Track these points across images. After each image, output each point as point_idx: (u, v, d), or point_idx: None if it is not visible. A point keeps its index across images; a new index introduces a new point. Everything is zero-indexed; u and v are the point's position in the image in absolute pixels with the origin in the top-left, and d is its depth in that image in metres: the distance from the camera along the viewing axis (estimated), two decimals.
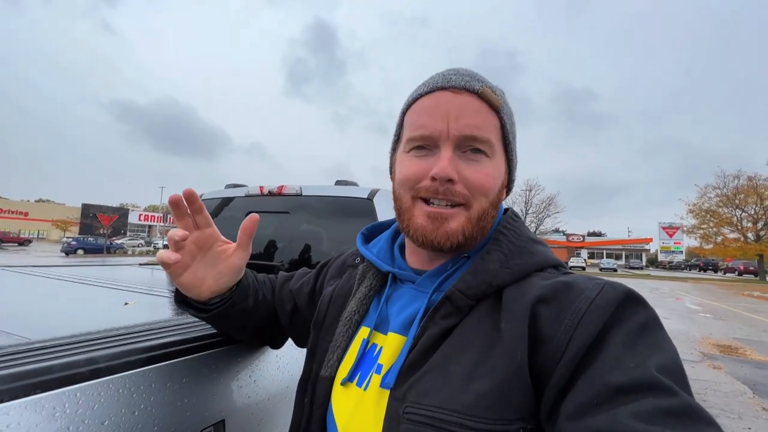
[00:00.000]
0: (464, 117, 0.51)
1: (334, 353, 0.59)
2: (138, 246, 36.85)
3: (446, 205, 0.53)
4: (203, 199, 2.63)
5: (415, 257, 0.61)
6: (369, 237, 0.72)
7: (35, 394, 0.51)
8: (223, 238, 0.67)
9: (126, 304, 1.06)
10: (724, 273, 40.24)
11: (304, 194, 2.25)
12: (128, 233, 48.78)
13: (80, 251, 26.83)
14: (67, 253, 25.84)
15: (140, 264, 2.59)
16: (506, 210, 0.63)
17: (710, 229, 31.85)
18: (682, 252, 48.88)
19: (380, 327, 0.59)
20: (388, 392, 0.49)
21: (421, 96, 0.55)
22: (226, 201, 2.53)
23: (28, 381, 0.51)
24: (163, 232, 49.28)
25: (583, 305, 0.43)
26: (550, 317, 0.45)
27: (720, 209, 31.24)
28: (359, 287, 0.64)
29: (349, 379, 0.56)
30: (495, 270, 0.51)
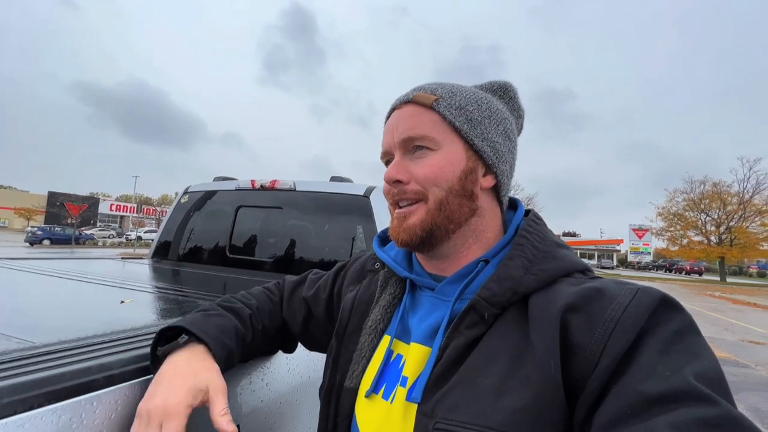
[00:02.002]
0: (401, 124, 0.57)
1: (359, 363, 0.58)
2: (109, 237, 35.42)
3: (408, 204, 0.56)
4: (190, 192, 2.54)
5: (425, 263, 0.61)
6: (385, 239, 0.71)
7: (50, 404, 0.47)
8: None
9: (122, 302, 1.01)
10: (673, 272, 42.55)
11: (297, 189, 2.20)
12: (98, 223, 46.76)
13: (46, 241, 25.52)
14: (31, 243, 24.51)
15: (122, 258, 2.48)
16: (527, 212, 0.62)
17: (677, 232, 33.40)
18: (650, 253, 51.08)
19: (402, 336, 0.58)
20: (415, 406, 0.48)
21: (385, 121, 0.62)
22: (214, 194, 2.45)
23: (42, 390, 0.48)
24: (135, 222, 47.51)
25: (616, 313, 0.42)
26: (582, 326, 0.43)
27: (687, 213, 32.79)
28: (382, 294, 0.63)
29: (374, 390, 0.55)
30: (519, 276, 0.50)
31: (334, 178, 2.31)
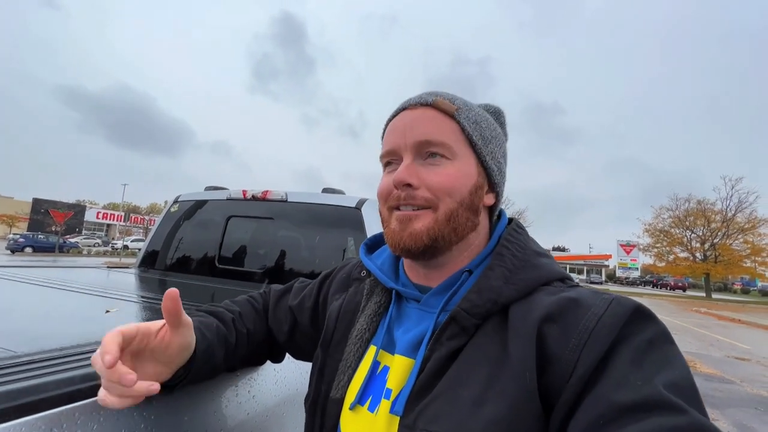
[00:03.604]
0: (418, 127, 0.55)
1: (345, 374, 0.58)
2: (94, 246, 34.64)
3: (413, 209, 0.55)
4: (180, 201, 2.52)
5: (412, 272, 0.61)
6: (372, 247, 0.70)
7: (28, 414, 0.46)
8: (155, 328, 0.54)
9: (107, 311, 0.99)
10: (659, 288, 43.22)
11: (289, 200, 2.20)
12: (84, 232, 45.79)
13: (28, 249, 24.85)
14: (13, 251, 23.84)
15: (108, 267, 2.44)
16: (510, 221, 0.62)
17: (663, 248, 33.97)
18: (638, 269, 51.72)
19: (387, 347, 0.58)
20: (398, 419, 0.48)
21: (389, 121, 0.60)
22: (205, 204, 2.44)
23: (22, 401, 0.47)
24: (123, 231, 46.64)
25: (591, 323, 0.43)
26: (557, 336, 0.44)
27: (672, 230, 33.44)
28: (368, 303, 0.62)
29: (359, 402, 0.54)
30: (499, 287, 0.50)
31: (326, 190, 2.31)
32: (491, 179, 0.58)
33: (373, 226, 1.97)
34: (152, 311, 1.11)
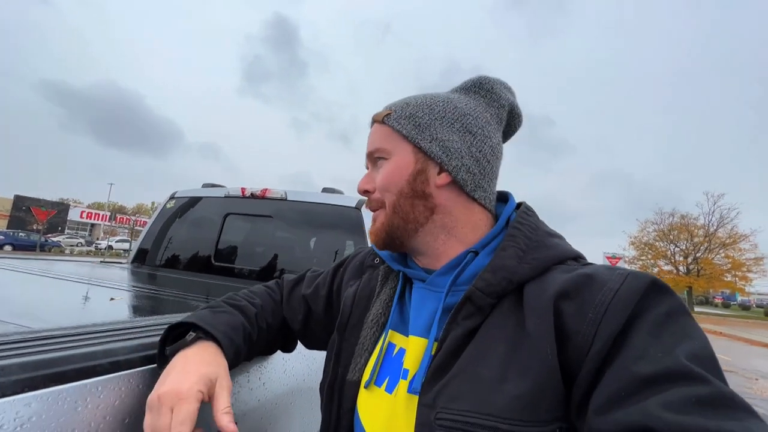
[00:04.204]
0: (368, 142, 0.64)
1: (362, 356, 0.59)
2: (77, 245, 33.80)
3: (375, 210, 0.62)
4: (176, 197, 2.49)
5: (417, 258, 0.63)
6: None
7: (56, 385, 0.46)
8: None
9: (112, 299, 0.98)
10: None
11: (288, 199, 2.20)
12: (67, 231, 44.68)
13: (8, 247, 24.14)
14: None
15: (102, 261, 2.39)
16: (519, 205, 0.63)
17: (648, 261, 34.60)
18: None
19: (399, 328, 0.59)
20: (416, 398, 0.49)
21: None
22: (202, 200, 2.42)
23: (48, 371, 0.47)
24: (107, 232, 45.61)
25: (607, 297, 0.43)
26: (574, 312, 0.44)
27: (657, 243, 34.12)
28: (383, 288, 0.64)
29: (376, 383, 0.55)
30: (513, 266, 0.50)
31: (326, 189, 2.32)
32: (435, 160, 0.58)
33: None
34: (153, 300, 1.10)
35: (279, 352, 0.82)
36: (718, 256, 30.86)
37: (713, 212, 31.30)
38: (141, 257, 2.37)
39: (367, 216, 2.01)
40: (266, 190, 2.25)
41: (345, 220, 2.06)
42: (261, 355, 0.79)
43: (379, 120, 0.62)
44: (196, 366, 0.53)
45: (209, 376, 0.52)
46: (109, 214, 48.14)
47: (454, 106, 0.60)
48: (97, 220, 47.45)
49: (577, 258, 0.54)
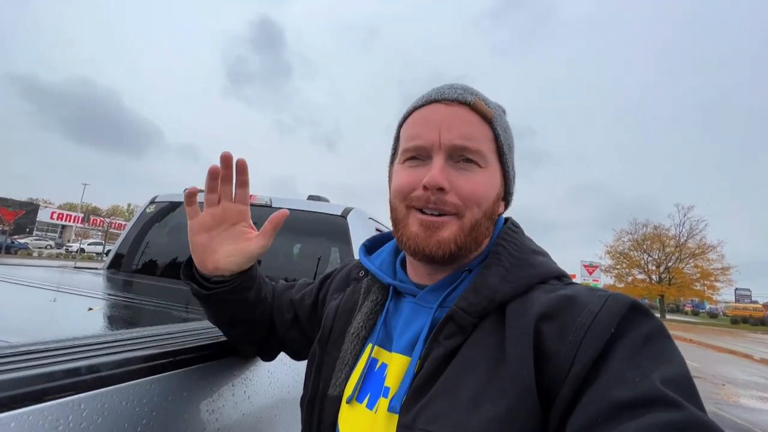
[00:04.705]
0: (455, 127, 0.52)
1: (342, 371, 0.57)
2: (46, 248, 32.32)
3: (438, 215, 0.53)
4: (157, 201, 2.43)
5: (415, 271, 0.60)
6: (371, 248, 0.71)
7: (36, 403, 0.45)
8: (250, 222, 0.69)
9: (90, 309, 0.95)
10: None
11: (273, 206, 2.18)
12: (36, 232, 42.71)
13: None
14: None
15: (75, 267, 2.30)
16: (506, 220, 0.62)
17: (623, 270, 35.69)
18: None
19: (385, 344, 0.58)
20: (396, 417, 0.48)
21: (415, 109, 0.57)
22: (184, 206, 2.36)
23: (28, 389, 0.45)
24: (80, 234, 43.85)
25: (587, 320, 0.43)
26: (554, 334, 0.44)
27: (631, 252, 35.27)
28: (364, 301, 0.63)
29: (357, 399, 0.55)
30: (496, 285, 0.50)
31: (311, 197, 2.31)
32: (508, 188, 0.58)
33: (358, 235, 1.98)
34: (134, 309, 1.07)
35: (263, 364, 0.81)
36: (688, 265, 32.14)
37: (683, 223, 32.70)
38: (117, 263, 2.30)
39: (354, 224, 2.01)
40: (251, 196, 2.22)
41: (330, 228, 2.05)
42: (239, 341, 0.76)
43: (487, 116, 0.54)
44: None
45: None
46: (82, 215, 46.33)
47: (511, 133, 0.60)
48: (69, 221, 45.59)
49: (560, 277, 0.53)
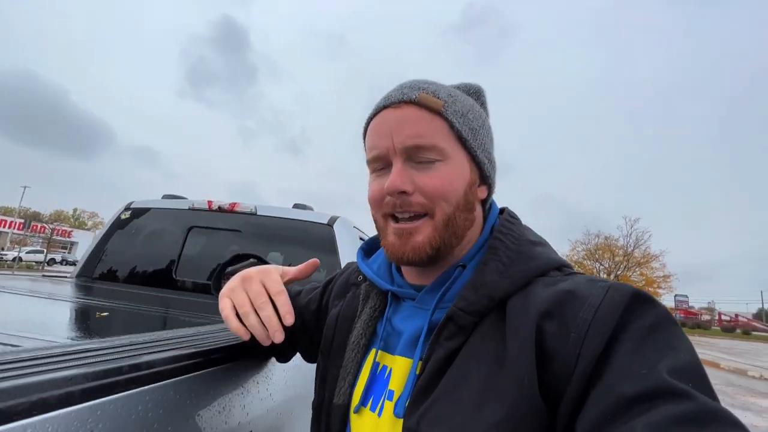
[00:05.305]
0: (404, 128, 0.52)
1: (345, 380, 0.58)
2: None
3: (410, 218, 0.53)
4: (132, 207, 2.36)
5: (409, 273, 0.61)
6: (369, 251, 0.70)
7: (67, 406, 0.41)
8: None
9: (98, 315, 0.94)
10: None
11: (258, 213, 2.19)
12: None
13: None
14: None
15: (43, 275, 2.18)
16: (502, 210, 0.61)
17: None
18: None
19: (387, 348, 0.58)
20: (401, 421, 0.48)
21: (371, 119, 0.57)
22: (162, 212, 2.31)
23: (36, 396, 0.39)
24: (16, 241, 40.03)
25: (589, 315, 0.41)
26: (556, 332, 0.42)
27: (585, 261, 37.40)
28: (363, 308, 0.62)
29: (363, 404, 0.55)
30: (494, 282, 0.49)
31: (296, 205, 2.34)
32: (483, 172, 0.57)
33: (345, 243, 2.03)
34: (137, 315, 1.07)
35: (279, 365, 0.86)
36: (634, 274, 34.51)
37: (630, 234, 35.14)
38: (89, 270, 2.20)
39: (340, 233, 2.06)
40: (235, 203, 2.22)
41: (316, 236, 2.08)
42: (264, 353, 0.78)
43: (434, 109, 0.52)
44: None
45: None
46: (22, 221, 42.37)
47: (483, 113, 0.58)
48: (5, 227, 41.55)
49: (561, 267, 0.52)
